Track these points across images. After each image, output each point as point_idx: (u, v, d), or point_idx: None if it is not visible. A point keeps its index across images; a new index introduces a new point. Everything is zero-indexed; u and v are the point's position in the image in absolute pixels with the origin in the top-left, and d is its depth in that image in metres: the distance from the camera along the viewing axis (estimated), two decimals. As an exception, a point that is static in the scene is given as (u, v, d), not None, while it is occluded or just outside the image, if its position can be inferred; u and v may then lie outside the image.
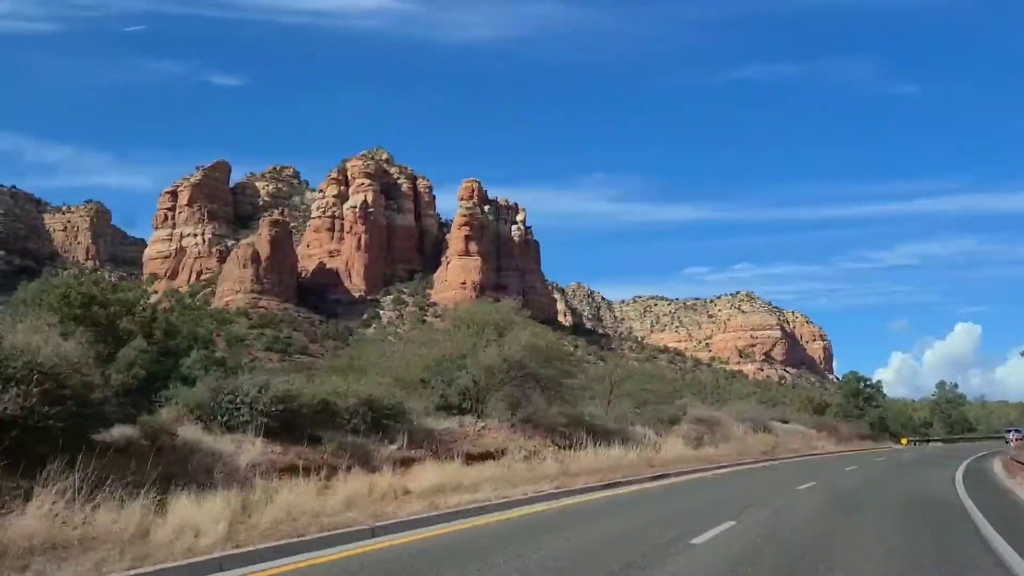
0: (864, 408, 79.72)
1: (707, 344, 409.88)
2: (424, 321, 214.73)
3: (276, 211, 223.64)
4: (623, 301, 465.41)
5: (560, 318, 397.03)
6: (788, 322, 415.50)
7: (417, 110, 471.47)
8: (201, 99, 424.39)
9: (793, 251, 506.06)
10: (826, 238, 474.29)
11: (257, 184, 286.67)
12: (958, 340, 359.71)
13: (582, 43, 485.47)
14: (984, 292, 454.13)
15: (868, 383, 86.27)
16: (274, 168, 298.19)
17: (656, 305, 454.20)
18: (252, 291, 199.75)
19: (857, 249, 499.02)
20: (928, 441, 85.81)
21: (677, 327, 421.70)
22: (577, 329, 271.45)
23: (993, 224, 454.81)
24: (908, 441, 79.08)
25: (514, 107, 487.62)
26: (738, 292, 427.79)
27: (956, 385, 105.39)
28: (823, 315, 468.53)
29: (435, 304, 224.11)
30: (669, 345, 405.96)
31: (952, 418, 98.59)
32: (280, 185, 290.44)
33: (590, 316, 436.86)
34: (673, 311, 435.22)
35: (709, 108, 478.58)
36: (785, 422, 65.70)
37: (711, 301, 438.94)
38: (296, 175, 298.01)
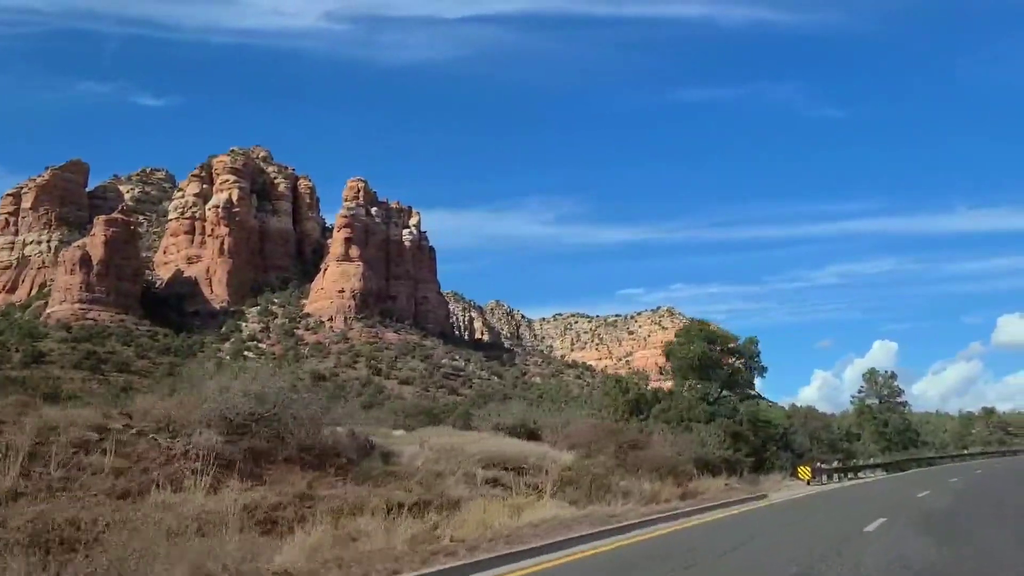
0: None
1: (628, 361, 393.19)
2: (293, 334, 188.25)
3: (118, 210, 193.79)
4: (543, 319, 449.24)
5: (477, 336, 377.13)
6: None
7: (354, 132, 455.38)
8: (126, 120, 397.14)
9: (727, 271, 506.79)
10: (759, 258, 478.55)
11: (121, 187, 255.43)
12: (876, 357, 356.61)
13: (521, 66, 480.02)
14: (904, 310, 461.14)
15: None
16: (143, 170, 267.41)
17: (577, 322, 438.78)
18: (80, 300, 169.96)
19: (789, 269, 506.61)
20: (853, 471, 49.61)
21: (598, 344, 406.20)
22: (478, 344, 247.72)
23: (913, 245, 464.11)
24: (812, 473, 41.77)
25: (453, 129, 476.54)
26: (659, 308, 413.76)
27: (894, 376, 71.56)
28: (754, 334, 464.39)
29: (308, 316, 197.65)
30: (587, 362, 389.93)
31: (890, 428, 66.57)
32: (148, 188, 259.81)
33: (509, 335, 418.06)
34: (594, 328, 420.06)
35: (646, 130, 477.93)
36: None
37: (632, 318, 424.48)
38: (170, 177, 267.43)
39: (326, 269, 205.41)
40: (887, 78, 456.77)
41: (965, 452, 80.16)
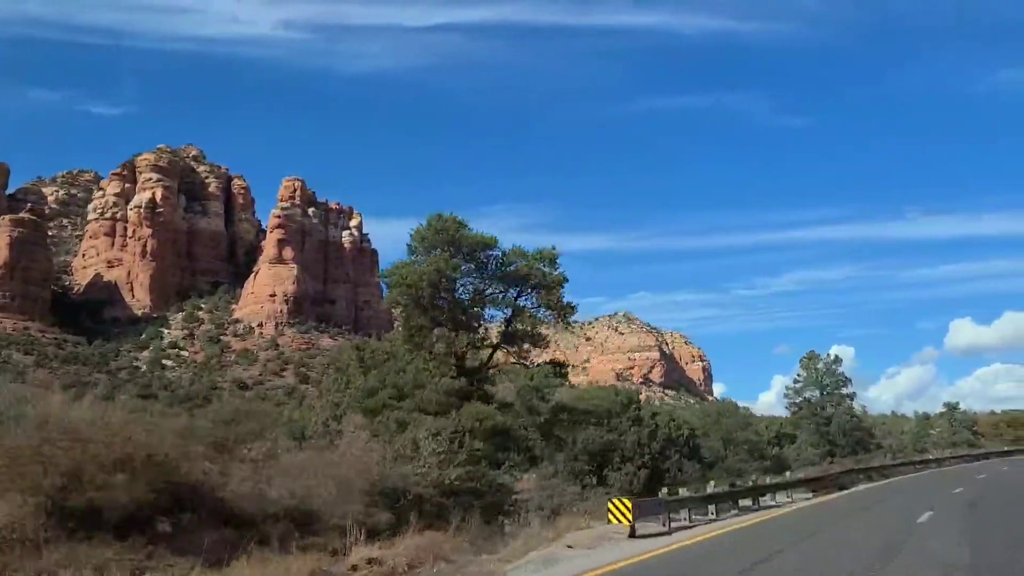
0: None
1: (584, 368, 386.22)
2: (219, 341, 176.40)
3: (25, 209, 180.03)
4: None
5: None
6: (667, 343, 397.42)
7: (313, 141, 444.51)
8: (81, 128, 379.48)
9: (690, 279, 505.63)
10: (721, 266, 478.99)
11: (45, 189, 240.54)
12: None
13: (483, 75, 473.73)
14: (860, 316, 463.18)
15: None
16: (69, 172, 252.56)
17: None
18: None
19: (750, 276, 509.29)
20: (754, 495, 30.06)
21: (554, 351, 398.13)
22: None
23: (870, 252, 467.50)
24: (631, 513, 20.04)
25: (416, 139, 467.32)
26: (616, 313, 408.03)
27: (838, 361, 58.43)
28: (717, 341, 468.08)
29: (238, 321, 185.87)
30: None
31: (834, 427, 54.36)
32: (75, 191, 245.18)
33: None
34: (551, 335, 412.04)
35: (611, 139, 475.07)
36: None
37: (589, 324, 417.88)
38: (97, 179, 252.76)
39: (258, 272, 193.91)
40: (845, 88, 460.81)
41: (930, 458, 63.95)
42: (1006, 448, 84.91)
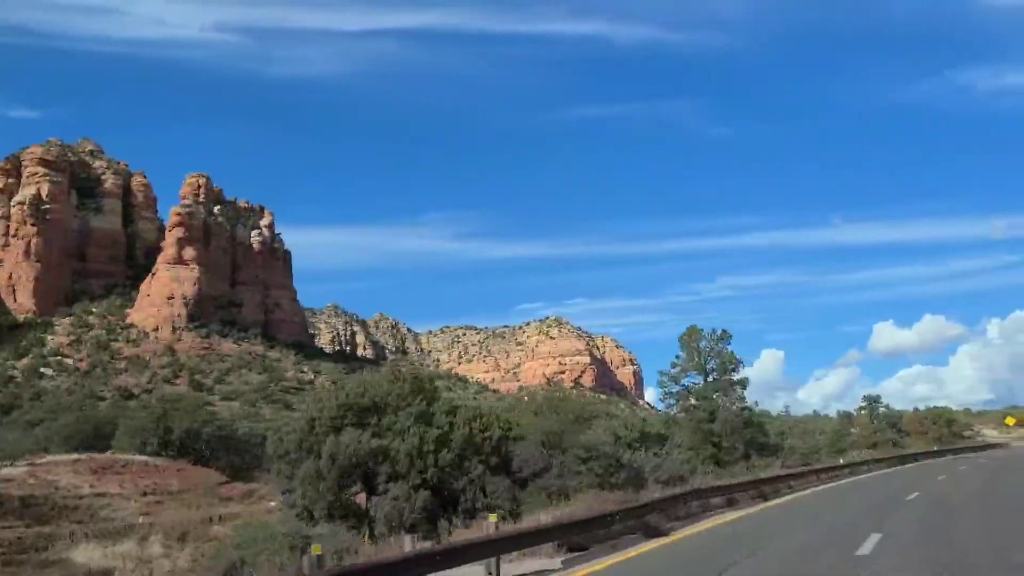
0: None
1: (516, 373, 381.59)
2: (109, 347, 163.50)
3: None
4: (431, 332, 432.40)
5: (359, 350, 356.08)
6: (598, 347, 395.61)
7: (243, 147, 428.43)
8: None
9: (624, 285, 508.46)
10: (655, 272, 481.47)
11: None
12: (764, 365, 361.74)
13: (420, 81, 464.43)
14: (789, 320, 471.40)
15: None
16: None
17: (465, 335, 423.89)
18: None
19: (683, 282, 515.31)
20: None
21: (485, 356, 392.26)
22: (321, 353, 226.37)
23: (797, 258, 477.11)
24: None
25: (350, 146, 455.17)
26: (547, 318, 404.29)
27: (725, 337, 47.18)
28: (652, 346, 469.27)
29: (132, 325, 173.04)
30: (476, 376, 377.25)
31: (720, 424, 44.47)
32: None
33: (394, 349, 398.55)
34: (482, 340, 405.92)
35: (545, 146, 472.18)
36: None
37: (520, 328, 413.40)
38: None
39: (155, 273, 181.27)
40: (772, 98, 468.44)
41: (842, 463, 50.94)
42: (935, 448, 77.33)
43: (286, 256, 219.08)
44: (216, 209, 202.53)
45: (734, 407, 45.94)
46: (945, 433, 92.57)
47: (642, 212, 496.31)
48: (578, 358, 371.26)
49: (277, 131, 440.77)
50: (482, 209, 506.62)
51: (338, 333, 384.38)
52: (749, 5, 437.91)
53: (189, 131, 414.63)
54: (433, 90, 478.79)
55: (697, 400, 45.50)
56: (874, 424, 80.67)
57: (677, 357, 46.88)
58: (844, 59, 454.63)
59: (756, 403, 52.38)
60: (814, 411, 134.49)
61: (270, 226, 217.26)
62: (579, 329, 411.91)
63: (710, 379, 45.97)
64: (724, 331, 47.23)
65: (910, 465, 58.82)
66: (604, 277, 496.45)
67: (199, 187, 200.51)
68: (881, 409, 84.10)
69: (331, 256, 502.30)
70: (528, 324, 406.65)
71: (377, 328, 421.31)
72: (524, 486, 24.54)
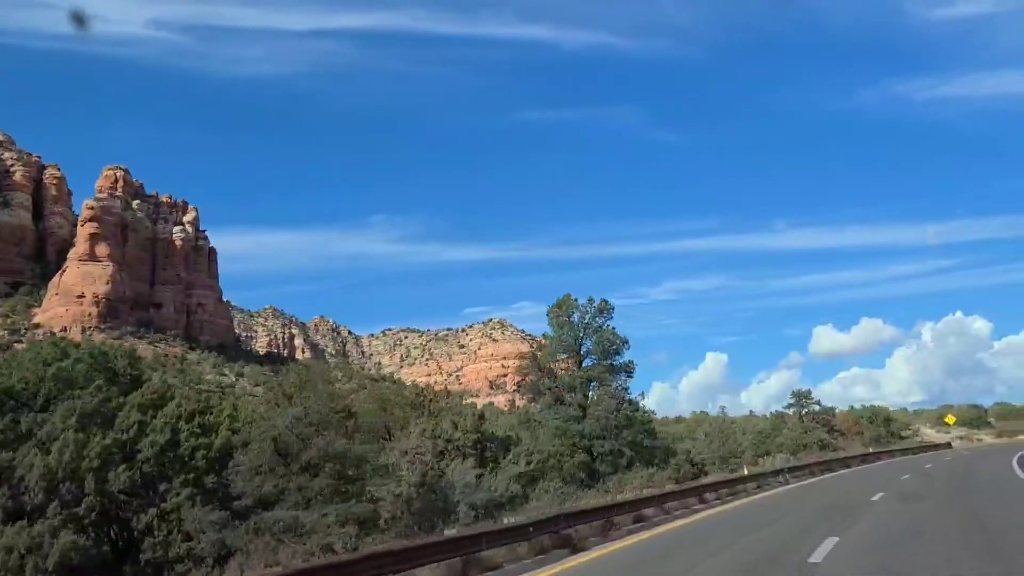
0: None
1: (458, 376, 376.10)
2: (9, 348, 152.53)
3: None
4: (372, 335, 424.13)
5: (298, 353, 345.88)
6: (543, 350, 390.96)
7: (188, 146, 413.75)
8: None
9: (571, 289, 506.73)
10: (601, 276, 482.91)
11: None
12: (708, 368, 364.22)
13: (365, 83, 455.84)
14: (733, 324, 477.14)
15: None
16: None
17: (407, 338, 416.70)
18: None
19: (629, 286, 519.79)
20: None
21: (427, 360, 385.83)
22: (248, 355, 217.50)
23: (741, 262, 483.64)
24: None
25: (294, 147, 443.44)
26: (490, 320, 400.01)
27: (604, 310, 40.29)
28: None
29: (38, 326, 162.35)
30: (418, 379, 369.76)
31: (588, 426, 37.54)
32: None
33: (334, 351, 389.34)
34: (424, 343, 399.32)
35: (493, 150, 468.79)
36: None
37: (463, 331, 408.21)
38: None
39: (65, 270, 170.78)
40: (716, 104, 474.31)
41: (747, 474, 39.60)
42: (871, 450, 68.20)
43: (211, 254, 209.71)
44: (135, 204, 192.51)
45: (611, 402, 37.16)
46: (883, 433, 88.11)
47: (588, 216, 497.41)
48: (521, 361, 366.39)
49: (218, 131, 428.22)
50: (428, 212, 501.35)
51: (275, 336, 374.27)
52: (695, 13, 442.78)
53: (128, 130, 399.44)
54: (379, 92, 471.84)
55: (566, 392, 38.71)
56: (804, 423, 73.11)
57: (545, 337, 40.66)
58: (787, 68, 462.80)
59: (643, 395, 43.04)
60: (750, 411, 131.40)
61: (194, 222, 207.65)
62: (523, 331, 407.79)
63: (586, 364, 39.15)
64: (604, 301, 39.74)
65: (839, 473, 48.89)
66: (550, 281, 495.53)
67: (116, 180, 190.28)
68: (813, 407, 77.73)
69: (274, 259, 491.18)
70: (471, 327, 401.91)
71: (317, 330, 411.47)
72: (247, 518, 16.83)
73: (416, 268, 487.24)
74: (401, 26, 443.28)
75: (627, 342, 39.94)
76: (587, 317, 39.28)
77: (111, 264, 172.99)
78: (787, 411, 78.88)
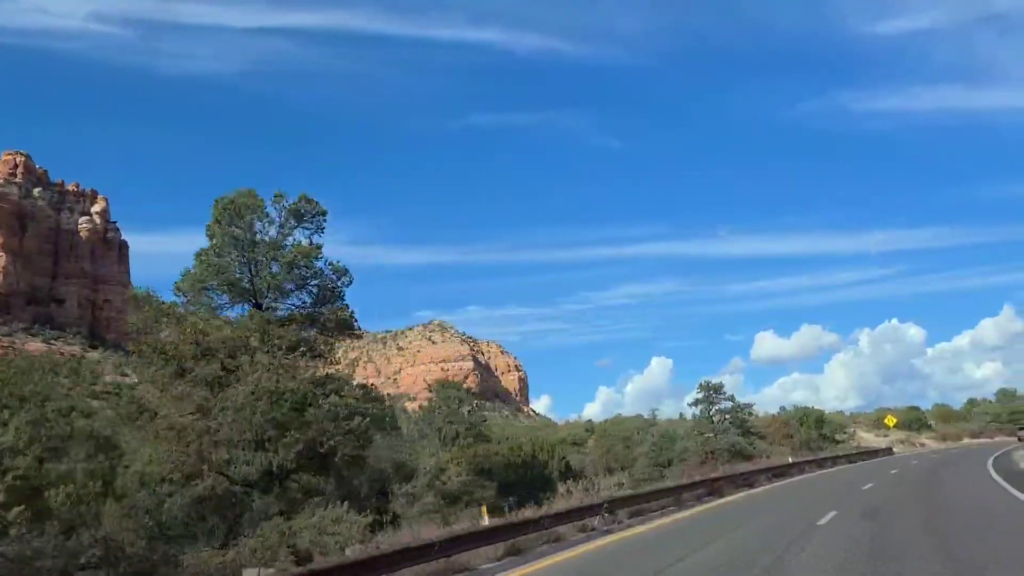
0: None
1: (396, 379, 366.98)
2: None
3: None
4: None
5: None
6: (483, 352, 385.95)
7: (128, 144, 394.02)
8: None
9: (521, 294, 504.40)
10: (552, 281, 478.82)
11: None
12: (654, 373, 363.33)
13: (314, 82, 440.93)
14: (679, 329, 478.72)
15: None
16: None
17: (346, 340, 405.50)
18: None
19: (579, 291, 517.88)
20: None
21: (366, 362, 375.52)
22: None
23: (688, 268, 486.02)
24: None
25: (237, 147, 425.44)
26: (430, 322, 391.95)
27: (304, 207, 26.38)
28: (547, 354, 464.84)
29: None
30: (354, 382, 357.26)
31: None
32: None
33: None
34: (363, 345, 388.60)
35: (442, 153, 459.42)
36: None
37: (402, 332, 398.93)
38: None
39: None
40: (664, 111, 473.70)
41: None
42: (791, 459, 53.44)
43: (123, 247, 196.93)
44: (36, 192, 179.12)
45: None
46: (814, 436, 77.25)
47: (538, 221, 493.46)
48: (461, 363, 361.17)
49: (160, 129, 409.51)
50: (375, 215, 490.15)
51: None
52: (645, 20, 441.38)
53: (68, 128, 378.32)
54: (327, 92, 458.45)
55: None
56: (714, 425, 60.42)
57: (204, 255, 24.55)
58: (733, 77, 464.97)
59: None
60: (680, 414, 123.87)
61: (104, 213, 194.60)
62: (463, 334, 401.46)
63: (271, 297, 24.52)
64: (305, 197, 25.67)
65: (729, 500, 33.07)
66: (499, 285, 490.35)
67: (16, 166, 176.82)
68: (725, 403, 64.01)
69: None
70: (411, 329, 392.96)
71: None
72: None
73: (362, 271, 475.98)
74: (350, 26, 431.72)
75: (348, 273, 26.62)
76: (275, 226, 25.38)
77: (3, 255, 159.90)
78: (696, 408, 65.15)
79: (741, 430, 63.29)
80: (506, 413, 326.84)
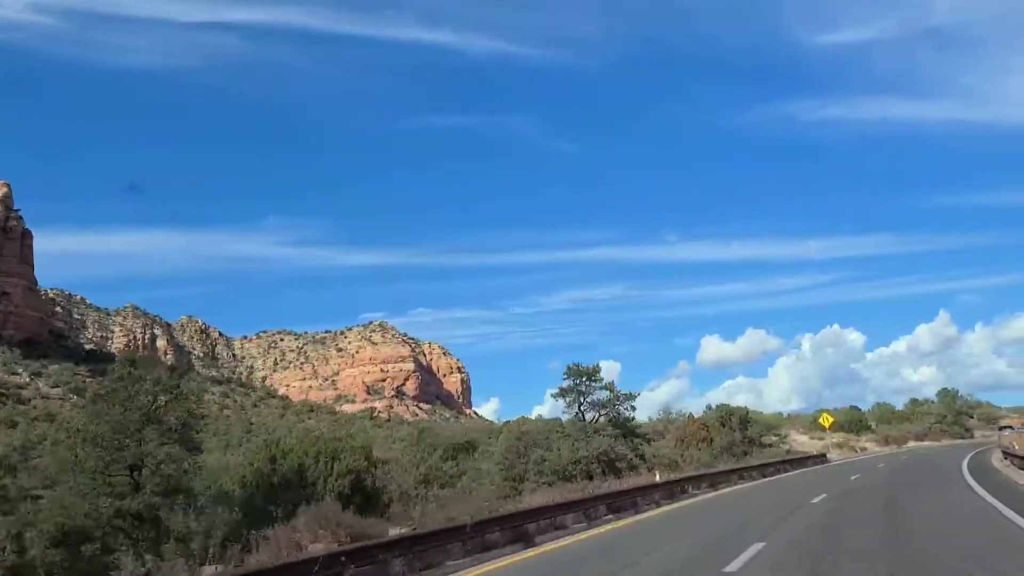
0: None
1: (334, 381, 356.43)
2: None
3: None
4: (246, 337, 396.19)
5: (161, 355, 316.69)
6: (424, 354, 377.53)
7: (64, 140, 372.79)
8: None
9: (469, 296, 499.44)
10: (500, 284, 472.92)
11: None
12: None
13: (260, 79, 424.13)
14: (627, 333, 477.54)
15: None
16: None
17: (282, 340, 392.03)
18: None
19: (527, 294, 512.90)
20: None
21: (303, 363, 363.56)
22: (58, 351, 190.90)
23: (636, 272, 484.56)
24: None
25: (184, 143, 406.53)
26: (370, 322, 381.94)
27: None
28: (495, 357, 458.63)
29: None
30: (291, 384, 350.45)
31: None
32: None
33: (201, 354, 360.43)
34: (300, 346, 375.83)
35: (390, 154, 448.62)
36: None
37: (341, 333, 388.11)
38: None
39: None
40: (614, 116, 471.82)
41: None
42: (658, 479, 36.18)
43: (25, 236, 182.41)
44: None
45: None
46: (737, 440, 64.23)
47: (488, 224, 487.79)
48: (401, 365, 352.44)
49: (100, 125, 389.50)
50: (321, 216, 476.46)
51: (135, 336, 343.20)
52: (597, 25, 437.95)
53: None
54: (272, 89, 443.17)
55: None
56: (585, 425, 45.82)
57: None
58: (682, 84, 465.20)
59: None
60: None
61: (5, 200, 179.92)
62: (404, 335, 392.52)
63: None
64: None
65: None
66: (448, 288, 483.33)
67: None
68: (599, 392, 47.27)
69: (161, 260, 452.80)
70: (350, 329, 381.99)
71: (184, 331, 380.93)
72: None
73: (311, 272, 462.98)
74: (300, 23, 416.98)
75: None
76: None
77: None
78: (562, 401, 48.60)
79: (624, 432, 47.61)
80: (447, 415, 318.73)
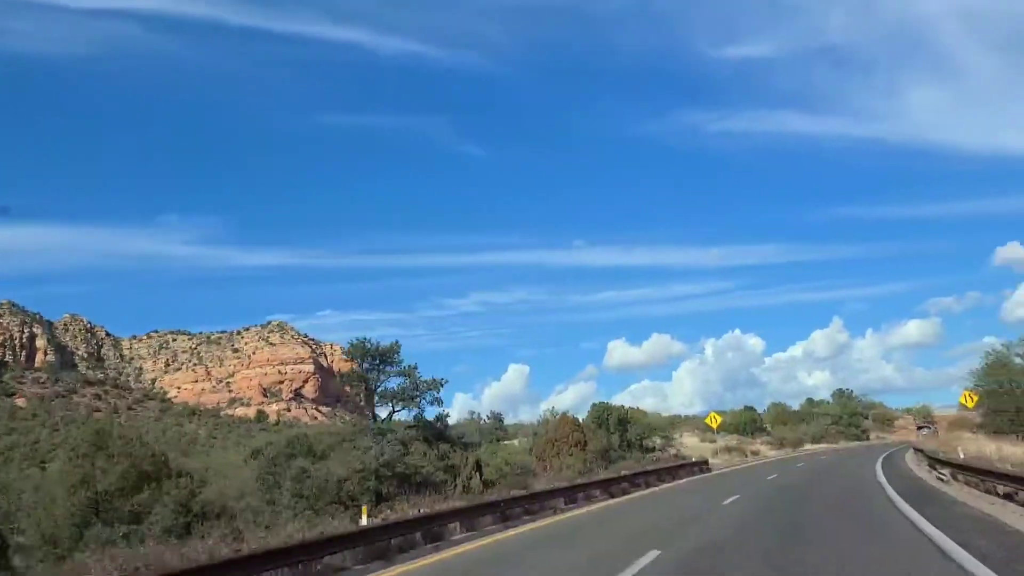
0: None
1: (228, 383, 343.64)
2: None
3: None
4: (135, 337, 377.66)
5: (39, 356, 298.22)
6: (326, 355, 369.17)
7: None
8: None
9: (376, 298, 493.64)
10: (406, 286, 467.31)
11: None
12: (510, 380, 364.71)
13: (159, 71, 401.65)
14: (535, 336, 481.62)
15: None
16: None
17: (175, 340, 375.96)
18: None
19: (435, 297, 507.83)
20: None
21: (195, 365, 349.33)
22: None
23: (544, 277, 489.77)
24: None
25: (76, 136, 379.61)
26: (269, 323, 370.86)
27: None
28: (404, 359, 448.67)
29: None
30: (183, 386, 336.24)
31: None
32: None
33: (86, 355, 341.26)
34: (193, 347, 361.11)
35: (295, 153, 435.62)
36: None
37: (237, 334, 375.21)
38: None
39: None
40: (521, 122, 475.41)
41: None
42: (514, 494, 28.44)
43: None
44: None
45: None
46: (616, 443, 57.47)
47: (396, 226, 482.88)
48: (300, 366, 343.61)
49: None
50: (223, 214, 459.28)
51: (11, 335, 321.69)
52: (506, 29, 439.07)
53: None
54: (173, 82, 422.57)
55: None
56: (379, 425, 36.24)
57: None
58: (589, 91, 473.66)
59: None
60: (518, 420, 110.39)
61: None
62: (305, 336, 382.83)
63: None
64: None
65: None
66: (354, 289, 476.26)
67: None
68: (395, 381, 36.75)
69: (46, 255, 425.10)
70: (247, 329, 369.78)
71: (67, 330, 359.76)
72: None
73: (213, 273, 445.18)
74: (203, 13, 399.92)
75: None
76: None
77: None
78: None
79: (425, 437, 36.31)
80: (348, 419, 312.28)
